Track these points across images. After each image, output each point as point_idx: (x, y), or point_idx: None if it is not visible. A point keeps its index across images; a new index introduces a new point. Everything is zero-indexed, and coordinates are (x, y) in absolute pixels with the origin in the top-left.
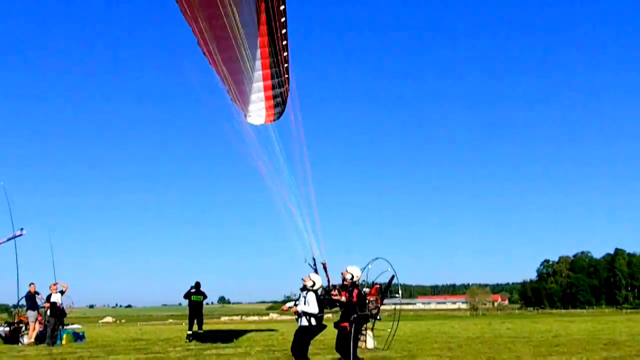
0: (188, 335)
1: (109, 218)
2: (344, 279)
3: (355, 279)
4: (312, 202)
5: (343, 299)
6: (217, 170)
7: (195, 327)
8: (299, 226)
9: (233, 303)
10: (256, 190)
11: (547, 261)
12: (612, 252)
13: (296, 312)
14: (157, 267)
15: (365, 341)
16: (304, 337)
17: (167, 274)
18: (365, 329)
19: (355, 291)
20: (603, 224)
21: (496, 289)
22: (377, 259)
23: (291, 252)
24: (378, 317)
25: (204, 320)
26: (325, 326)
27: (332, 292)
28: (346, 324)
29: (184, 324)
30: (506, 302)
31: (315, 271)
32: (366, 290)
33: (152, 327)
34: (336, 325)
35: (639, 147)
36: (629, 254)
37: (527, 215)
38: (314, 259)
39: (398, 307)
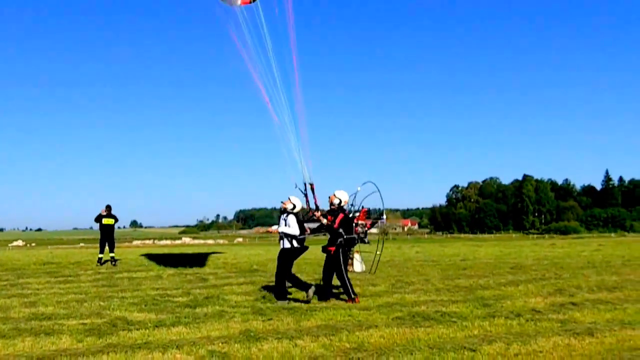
0: (99, 258)
1: (18, 138)
2: (331, 204)
3: (343, 203)
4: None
5: (325, 221)
6: (131, 85)
7: (106, 251)
8: (289, 142)
9: (145, 227)
10: (178, 106)
11: (456, 186)
12: (520, 178)
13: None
14: (68, 190)
15: (352, 265)
16: (285, 259)
17: (79, 197)
18: (353, 253)
19: (341, 215)
20: (512, 151)
21: (406, 213)
22: (366, 182)
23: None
24: (366, 241)
25: (116, 244)
26: (307, 247)
27: (316, 213)
28: (332, 248)
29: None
30: (416, 226)
31: (306, 196)
32: (356, 214)
33: (63, 250)
34: (324, 249)
35: (549, 77)
36: (536, 180)
37: (438, 140)
38: (304, 184)
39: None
